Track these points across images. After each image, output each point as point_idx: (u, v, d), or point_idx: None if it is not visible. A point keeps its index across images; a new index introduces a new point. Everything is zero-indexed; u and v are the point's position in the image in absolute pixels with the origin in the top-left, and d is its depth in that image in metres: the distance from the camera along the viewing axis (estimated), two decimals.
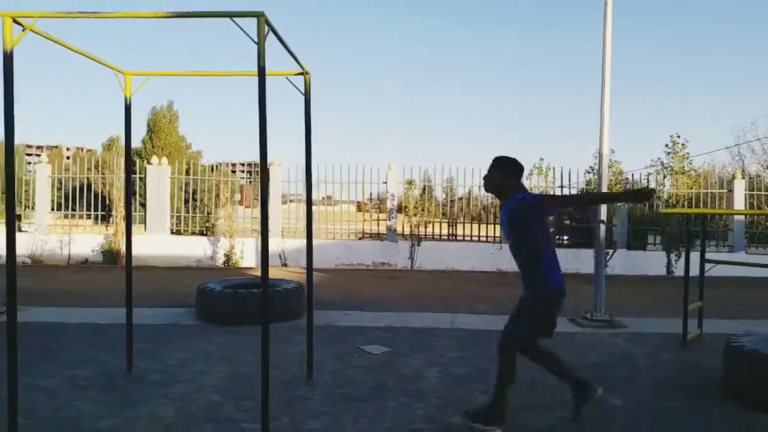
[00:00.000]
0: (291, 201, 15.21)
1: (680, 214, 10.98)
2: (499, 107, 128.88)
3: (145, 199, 13.69)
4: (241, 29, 3.31)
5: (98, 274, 11.32)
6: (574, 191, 13.81)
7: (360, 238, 14.45)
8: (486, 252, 13.33)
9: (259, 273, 11.12)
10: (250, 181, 18.45)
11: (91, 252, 13.06)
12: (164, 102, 36.03)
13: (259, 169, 3.51)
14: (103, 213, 14.46)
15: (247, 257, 13.11)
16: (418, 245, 12.89)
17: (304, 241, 13.28)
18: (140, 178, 13.72)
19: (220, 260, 13.05)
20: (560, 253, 12.70)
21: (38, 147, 67.65)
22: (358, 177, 13.55)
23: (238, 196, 16.39)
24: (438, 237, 13.93)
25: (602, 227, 7.10)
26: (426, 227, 13.64)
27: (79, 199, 13.89)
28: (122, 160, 14.12)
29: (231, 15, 3.28)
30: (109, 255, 12.78)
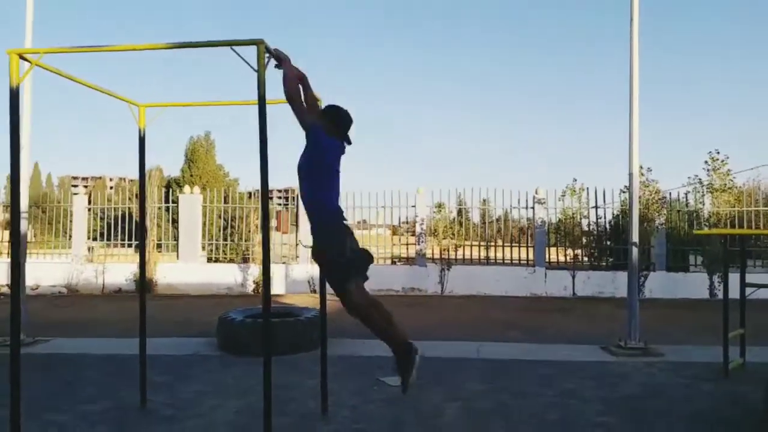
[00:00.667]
0: None
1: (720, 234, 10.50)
2: (530, 128, 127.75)
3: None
4: (242, 58, 3.26)
5: (129, 303, 11.39)
6: (609, 212, 13.42)
7: (393, 263, 14.29)
8: (519, 276, 13.02)
9: (288, 300, 11.11)
10: (287, 207, 18.60)
11: (124, 281, 13.23)
12: (201, 132, 36.92)
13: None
14: (137, 242, 14.69)
15: (277, 284, 13.08)
16: (448, 270, 12.66)
17: None
18: (175, 206, 13.94)
19: (251, 287, 13.05)
20: (596, 275, 12.25)
21: (83, 178, 70.05)
22: (386, 201, 13.46)
23: (274, 222, 16.48)
24: (470, 261, 13.67)
25: (635, 250, 6.79)
26: (456, 251, 13.40)
27: (118, 228, 14.20)
28: (156, 189, 14.40)
29: (231, 44, 3.24)
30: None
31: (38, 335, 7.32)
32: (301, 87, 3.81)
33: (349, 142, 3.83)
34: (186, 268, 13.30)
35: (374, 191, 13.56)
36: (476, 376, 5.66)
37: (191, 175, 34.32)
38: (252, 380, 5.53)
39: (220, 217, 14.58)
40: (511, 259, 13.73)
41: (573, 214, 13.22)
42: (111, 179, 63.46)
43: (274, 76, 3.62)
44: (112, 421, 4.41)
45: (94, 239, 15.56)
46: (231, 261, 13.95)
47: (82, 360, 6.36)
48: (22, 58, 3.31)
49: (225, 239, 14.13)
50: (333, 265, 3.70)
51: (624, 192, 13.25)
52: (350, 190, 13.72)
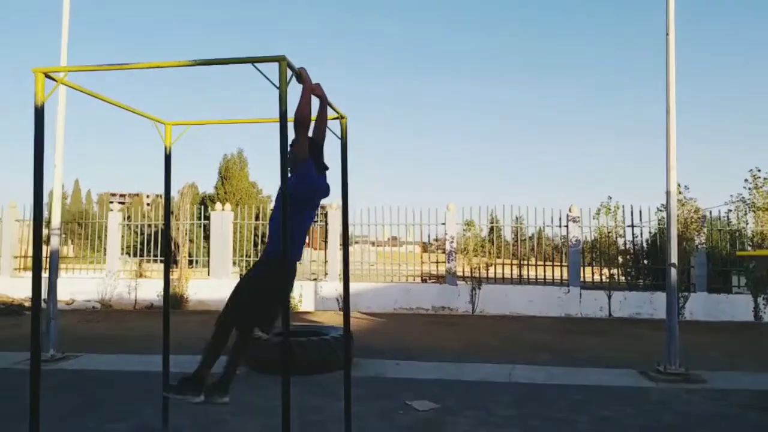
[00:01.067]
0: (356, 242, 15.14)
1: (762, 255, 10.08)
2: (563, 145, 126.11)
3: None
4: (263, 75, 3.20)
5: (160, 319, 11.47)
6: (645, 231, 13.03)
7: (423, 281, 14.10)
8: (552, 296, 12.71)
9: (317, 318, 11.03)
10: (320, 224, 18.59)
11: (156, 296, 13.35)
12: (234, 150, 37.46)
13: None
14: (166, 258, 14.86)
15: (306, 301, 13.03)
16: (479, 288, 12.43)
17: (363, 285, 13.21)
18: (208, 223, 14.08)
19: None
20: (633, 296, 11.84)
21: (121, 195, 71.77)
22: (416, 218, 13.34)
23: (306, 239, 16.48)
24: (502, 279, 13.41)
25: (673, 271, 6.51)
26: (488, 269, 13.16)
27: (151, 244, 14.39)
28: (189, 206, 14.57)
29: (253, 61, 3.19)
30: (172, 299, 13.02)
31: (69, 351, 7.38)
32: (318, 109, 3.79)
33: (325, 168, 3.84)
34: (217, 284, 13.35)
35: (403, 207, 13.48)
36: (507, 401, 5.46)
37: (225, 192, 34.77)
38: (276, 401, 5.43)
39: (252, 233, 14.65)
40: (545, 279, 13.42)
41: (608, 232, 12.87)
42: (148, 196, 64.83)
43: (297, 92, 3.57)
44: None
45: (130, 254, 15.77)
46: None
47: (111, 377, 6.37)
48: (47, 76, 3.33)
49: (257, 256, 14.15)
50: (245, 303, 3.64)
51: (661, 210, 12.86)
52: (380, 205, 13.67)
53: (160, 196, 16.40)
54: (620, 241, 12.98)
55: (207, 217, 14.31)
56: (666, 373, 6.29)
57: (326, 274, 13.37)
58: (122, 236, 15.82)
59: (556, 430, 4.64)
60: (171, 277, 13.75)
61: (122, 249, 15.63)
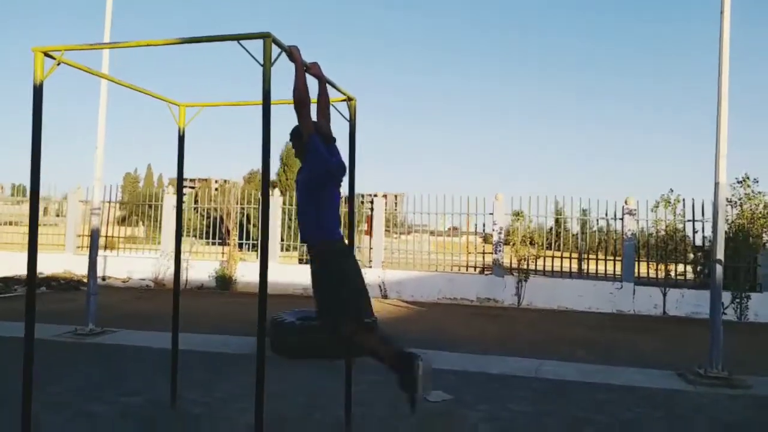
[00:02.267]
0: (415, 231, 15.04)
1: None
2: (624, 138, 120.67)
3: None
4: (248, 52, 3.15)
5: (207, 299, 11.81)
6: (708, 225, 12.24)
7: (481, 271, 13.72)
8: (604, 291, 12.18)
9: None
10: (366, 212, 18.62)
11: (207, 277, 13.74)
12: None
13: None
14: (220, 240, 15.26)
15: None
16: (525, 281, 12.07)
17: (406, 273, 13.11)
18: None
19: None
20: (691, 294, 11.06)
21: (191, 180, 74.48)
22: (462, 208, 13.09)
23: (364, 226, 16.55)
24: (551, 272, 12.96)
25: (719, 268, 6.06)
26: (537, 262, 12.75)
27: (211, 227, 14.84)
28: (238, 191, 14.87)
29: (238, 38, 3.14)
30: (222, 281, 13.36)
31: (110, 326, 7.68)
32: (318, 91, 3.70)
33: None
34: None
35: (449, 196, 13.25)
36: (526, 397, 5.24)
37: (287, 179, 35.40)
38: (288, 384, 5.45)
39: None
40: (596, 273, 12.89)
41: (667, 226, 12.17)
42: (216, 181, 66.97)
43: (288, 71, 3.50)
44: (141, 416, 4.46)
45: (196, 236, 16.32)
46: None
47: (140, 352, 6.57)
48: (47, 55, 3.39)
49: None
50: (324, 303, 3.47)
51: (727, 204, 12.05)
52: (431, 194, 13.48)
53: (228, 181, 16.76)
54: (679, 236, 12.26)
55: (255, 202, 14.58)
56: (706, 377, 5.87)
57: (370, 261, 13.35)
58: (189, 219, 16.38)
59: (567, 429, 4.41)
60: (222, 259, 14.14)
61: (190, 231, 16.21)
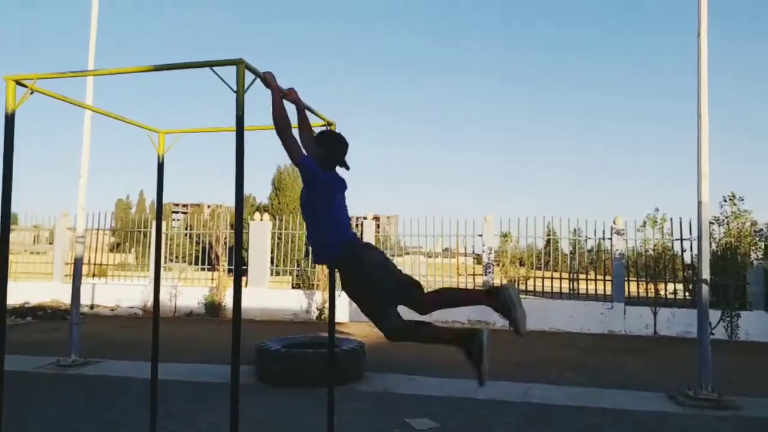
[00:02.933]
0: (407, 253, 14.96)
1: None
2: (604, 156, 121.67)
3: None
4: (221, 79, 3.14)
5: (195, 326, 11.66)
6: (695, 244, 12.26)
7: None
8: (595, 311, 12.12)
9: (350, 329, 10.93)
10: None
11: (197, 304, 13.60)
12: (288, 161, 38.05)
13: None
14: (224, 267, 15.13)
15: (341, 311, 12.94)
16: None
17: None
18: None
19: (314, 314, 13.03)
20: (681, 313, 10.96)
21: (183, 205, 74.21)
22: (452, 230, 13.08)
23: None
24: (542, 293, 12.92)
25: (705, 287, 6.04)
26: (527, 283, 12.72)
27: (206, 253, 14.73)
28: (229, 216, 14.80)
29: (211, 64, 3.14)
30: (211, 307, 13.23)
31: (94, 356, 7.55)
32: (297, 116, 3.68)
33: (347, 167, 3.60)
34: (255, 293, 13.48)
35: (439, 218, 13.25)
36: (513, 422, 5.17)
37: (279, 203, 35.33)
38: (272, 412, 5.36)
39: (305, 244, 14.73)
40: (587, 293, 12.85)
41: (655, 246, 12.19)
42: (209, 206, 66.72)
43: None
44: None
45: (187, 262, 16.19)
46: (311, 287, 13.85)
47: (123, 383, 6.45)
48: (18, 83, 3.37)
49: (308, 266, 14.11)
50: (364, 297, 3.42)
51: (713, 223, 12.10)
52: (418, 215, 13.49)
53: (220, 206, 16.72)
54: (667, 255, 12.27)
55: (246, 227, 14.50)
56: (696, 398, 5.81)
57: None
58: (178, 245, 16.28)
59: None
60: (211, 285, 14.01)
61: (180, 257, 16.09)
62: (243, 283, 13.99)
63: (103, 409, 5.41)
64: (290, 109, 3.62)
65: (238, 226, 3.13)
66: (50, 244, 17.08)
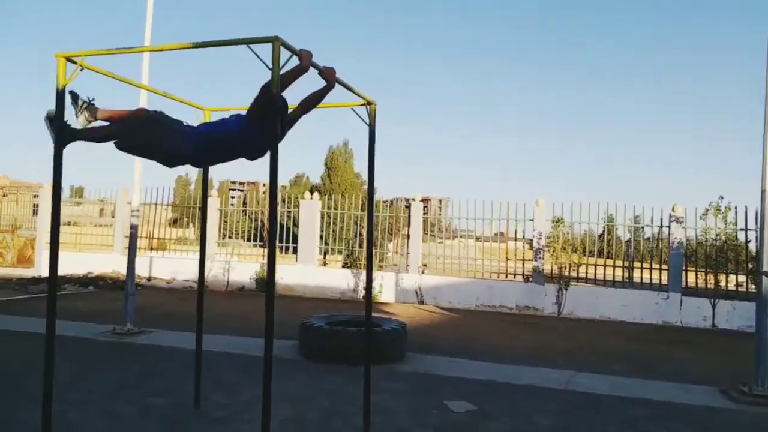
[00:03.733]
0: (460, 237, 14.84)
1: None
2: (670, 143, 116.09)
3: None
4: (257, 56, 3.14)
5: (246, 300, 11.97)
6: None
7: (526, 279, 13.35)
8: (650, 301, 11.72)
9: (394, 309, 10.98)
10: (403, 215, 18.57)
11: (248, 279, 13.93)
12: (340, 141, 38.22)
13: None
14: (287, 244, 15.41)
15: (387, 292, 13.01)
16: (566, 289, 11.75)
17: (443, 278, 12.97)
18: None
19: (361, 294, 13.12)
20: (743, 306, 10.46)
21: (240, 183, 76.07)
22: (501, 213, 12.86)
23: (406, 230, 16.50)
24: (594, 281, 12.58)
25: (765, 279, 5.72)
26: (579, 270, 12.39)
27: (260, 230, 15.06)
28: (300, 195, 15.01)
29: (248, 42, 3.14)
30: (262, 283, 13.52)
31: (147, 326, 7.85)
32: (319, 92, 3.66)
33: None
34: (303, 270, 13.71)
35: (489, 201, 13.05)
36: (553, 409, 5.07)
37: (331, 183, 35.62)
38: (313, 388, 5.45)
39: (356, 224, 14.83)
40: (641, 282, 12.43)
41: (717, 235, 11.63)
42: (264, 184, 68.15)
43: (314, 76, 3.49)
44: (164, 418, 4.52)
45: (245, 239, 16.65)
46: (359, 267, 13.93)
47: (172, 353, 6.69)
48: (69, 60, 3.48)
49: (361, 245, 14.18)
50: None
51: None
52: (460, 200, 13.32)
53: None
54: (731, 244, 11.69)
55: (297, 206, 14.70)
56: (750, 395, 5.55)
57: (407, 266, 13.26)
58: (234, 221, 16.70)
59: None
60: (262, 261, 14.32)
61: (236, 233, 16.51)
62: (293, 261, 14.24)
63: (152, 377, 5.63)
64: (320, 84, 3.62)
65: (272, 204, 3.15)
66: (113, 217, 17.84)
